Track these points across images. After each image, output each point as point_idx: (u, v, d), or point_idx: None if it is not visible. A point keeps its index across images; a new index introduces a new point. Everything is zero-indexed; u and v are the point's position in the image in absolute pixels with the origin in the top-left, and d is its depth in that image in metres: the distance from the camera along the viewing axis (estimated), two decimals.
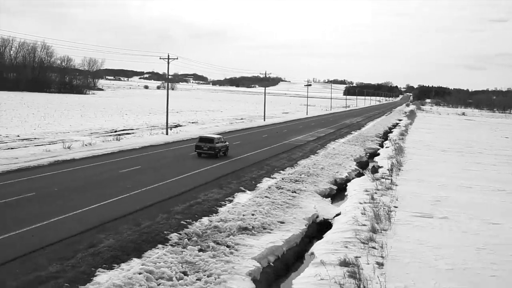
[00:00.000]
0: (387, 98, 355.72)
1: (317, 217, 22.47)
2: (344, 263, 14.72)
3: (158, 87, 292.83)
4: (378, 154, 44.48)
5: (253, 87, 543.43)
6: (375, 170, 35.03)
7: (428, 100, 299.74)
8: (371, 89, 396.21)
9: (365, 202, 23.09)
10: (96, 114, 71.64)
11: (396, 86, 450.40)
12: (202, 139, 37.22)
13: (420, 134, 66.51)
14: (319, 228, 21.31)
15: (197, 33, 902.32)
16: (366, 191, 25.80)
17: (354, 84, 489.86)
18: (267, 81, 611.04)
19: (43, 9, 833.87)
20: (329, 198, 26.42)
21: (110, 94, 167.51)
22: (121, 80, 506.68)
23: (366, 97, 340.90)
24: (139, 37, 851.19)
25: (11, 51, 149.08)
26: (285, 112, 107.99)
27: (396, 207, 22.88)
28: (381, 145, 53.11)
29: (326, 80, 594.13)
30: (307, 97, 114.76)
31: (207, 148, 36.07)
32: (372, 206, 22.14)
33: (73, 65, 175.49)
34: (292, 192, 25.20)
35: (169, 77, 55.01)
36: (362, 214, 20.65)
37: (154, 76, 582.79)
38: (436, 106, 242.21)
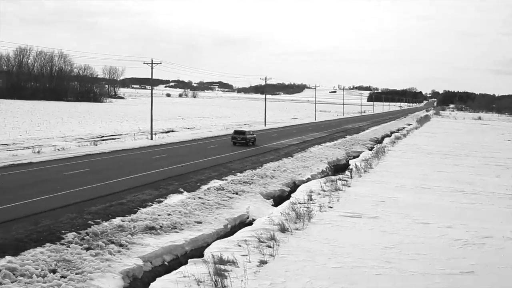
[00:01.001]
0: (409, 104, 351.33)
1: (248, 218, 22.12)
2: (220, 261, 14.37)
3: (180, 95, 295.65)
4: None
5: (277, 94, 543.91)
6: (343, 171, 34.53)
7: (451, 106, 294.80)
8: (396, 95, 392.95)
9: (299, 203, 22.63)
10: (96, 121, 72.37)
11: (420, 92, 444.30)
12: (237, 132, 47.99)
13: (419, 138, 65.31)
14: (242, 228, 20.95)
15: (223, 41, 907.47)
16: (311, 191, 25.31)
17: (380, 90, 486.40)
18: (292, 88, 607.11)
19: (73, 19, 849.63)
20: (271, 200, 25.93)
21: (128, 102, 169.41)
22: (146, 89, 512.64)
23: (391, 103, 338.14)
24: (167, 45, 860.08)
25: (29, 60, 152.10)
26: (294, 118, 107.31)
27: (331, 207, 22.44)
28: (371, 149, 52.26)
29: (352, 87, 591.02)
30: (315, 102, 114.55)
31: (240, 139, 46.17)
32: (302, 207, 21.68)
33: (92, 74, 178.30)
34: (234, 194, 24.89)
35: (152, 81, 55.03)
36: (281, 214, 20.21)
37: (179, 84, 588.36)
38: (458, 111, 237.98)
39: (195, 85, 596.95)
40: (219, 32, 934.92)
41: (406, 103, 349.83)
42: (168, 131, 59.46)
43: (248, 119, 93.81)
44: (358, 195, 25.41)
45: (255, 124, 79.23)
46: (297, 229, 18.42)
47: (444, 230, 19.21)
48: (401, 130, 76.68)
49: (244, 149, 43.44)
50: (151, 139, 48.02)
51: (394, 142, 55.36)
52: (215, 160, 35.72)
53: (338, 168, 38.91)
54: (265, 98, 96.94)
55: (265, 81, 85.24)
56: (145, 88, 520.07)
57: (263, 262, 14.69)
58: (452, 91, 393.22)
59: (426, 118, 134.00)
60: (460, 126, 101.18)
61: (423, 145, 53.79)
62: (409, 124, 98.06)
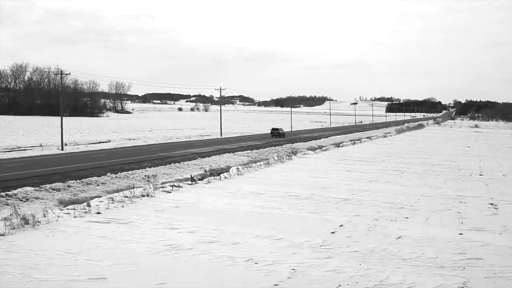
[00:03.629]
0: (425, 114, 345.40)
1: None
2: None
3: (192, 109, 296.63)
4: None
5: (297, 107, 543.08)
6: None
7: (469, 115, 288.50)
8: (414, 106, 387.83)
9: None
10: (50, 132, 72.04)
11: (440, 102, 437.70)
12: (274, 129, 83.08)
13: (366, 145, 63.14)
14: None
15: (247, 57, 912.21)
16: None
17: (401, 101, 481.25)
18: (313, 100, 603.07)
19: (100, 37, 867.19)
20: None
21: (127, 117, 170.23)
22: (167, 104, 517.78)
23: (406, 114, 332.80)
24: (192, 61, 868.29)
25: (25, 77, 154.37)
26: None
27: (99, 213, 20.77)
28: (291, 155, 49.90)
29: (373, 98, 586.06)
30: (291, 112, 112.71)
31: (276, 133, 79.26)
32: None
33: (91, 89, 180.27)
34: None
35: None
36: None
37: (200, 99, 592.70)
38: (471, 120, 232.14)
39: (216, 99, 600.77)
40: (243, 48, 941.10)
41: (422, 114, 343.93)
42: (100, 142, 58.55)
43: (211, 131, 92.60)
44: (167, 200, 23.68)
45: (214, 134, 78.22)
46: None
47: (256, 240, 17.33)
48: (362, 138, 74.01)
49: (131, 156, 42.14)
50: (62, 149, 47.18)
51: (326, 150, 53.15)
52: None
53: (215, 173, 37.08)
54: (220, 110, 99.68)
55: (220, 92, 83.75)
56: (166, 103, 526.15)
57: None
58: (475, 100, 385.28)
59: (419, 127, 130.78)
60: (442, 135, 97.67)
61: (355, 153, 51.37)
62: (389, 133, 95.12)
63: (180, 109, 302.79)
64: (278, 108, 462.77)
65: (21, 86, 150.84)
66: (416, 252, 16.13)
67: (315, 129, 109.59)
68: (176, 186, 26.88)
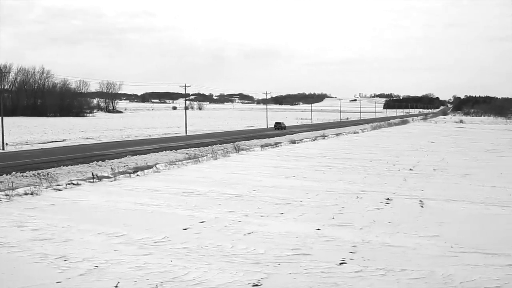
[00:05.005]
0: (421, 110, 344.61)
1: None
2: None
3: (186, 108, 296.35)
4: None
5: (296, 104, 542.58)
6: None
7: (464, 110, 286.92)
8: (412, 102, 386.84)
9: None
10: (14, 132, 71.90)
11: (438, 98, 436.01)
12: (277, 123, 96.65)
13: (332, 142, 62.79)
14: None
15: (248, 54, 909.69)
16: None
17: (401, 97, 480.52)
18: (312, 98, 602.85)
19: (101, 36, 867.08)
20: None
21: (113, 116, 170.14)
22: (166, 103, 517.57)
23: (404, 110, 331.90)
24: (193, 59, 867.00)
25: (10, 77, 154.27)
26: (249, 126, 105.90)
27: None
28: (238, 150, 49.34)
29: (373, 95, 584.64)
30: (267, 109, 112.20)
31: (279, 126, 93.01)
32: None
33: (87, 89, 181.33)
34: None
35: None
36: None
37: (199, 97, 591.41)
38: (465, 115, 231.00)
39: (215, 97, 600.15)
40: (244, 45, 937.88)
41: (418, 110, 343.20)
42: (54, 141, 58.37)
43: (188, 129, 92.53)
44: (53, 198, 23.41)
45: (182, 132, 78.25)
46: None
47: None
48: (329, 135, 73.50)
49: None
50: (2, 149, 47.07)
51: (277, 146, 52.83)
52: None
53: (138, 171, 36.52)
54: (186, 108, 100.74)
55: (185, 89, 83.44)
56: (165, 102, 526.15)
57: None
58: (474, 96, 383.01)
59: (403, 123, 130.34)
60: (419, 131, 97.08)
61: (305, 149, 50.86)
62: (364, 129, 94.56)
63: (174, 108, 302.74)
64: (276, 106, 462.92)
65: (5, 86, 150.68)
66: (247, 248, 15.79)
67: (291, 125, 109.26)
68: (74, 184, 26.59)
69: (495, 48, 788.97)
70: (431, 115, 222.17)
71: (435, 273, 13.59)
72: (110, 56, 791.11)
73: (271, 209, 21.78)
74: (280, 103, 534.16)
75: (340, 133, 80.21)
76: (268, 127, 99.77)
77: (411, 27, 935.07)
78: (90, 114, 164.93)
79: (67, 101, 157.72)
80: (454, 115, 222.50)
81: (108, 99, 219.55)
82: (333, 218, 20.21)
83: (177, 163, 35.60)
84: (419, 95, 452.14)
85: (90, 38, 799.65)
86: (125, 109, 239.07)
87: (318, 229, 18.32)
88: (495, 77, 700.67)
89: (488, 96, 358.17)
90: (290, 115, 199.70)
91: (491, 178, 32.73)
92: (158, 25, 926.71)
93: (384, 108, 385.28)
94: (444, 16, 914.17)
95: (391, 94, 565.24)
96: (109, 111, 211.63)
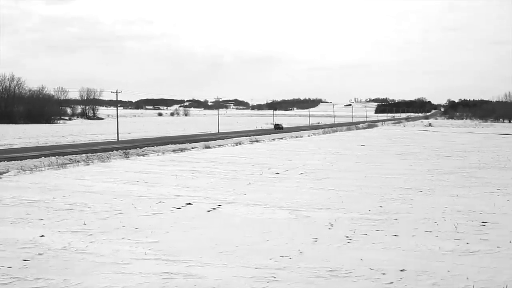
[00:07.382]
0: (410, 114, 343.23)
1: None
2: None
3: (172, 114, 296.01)
4: None
5: (290, 109, 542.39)
6: None
7: (452, 114, 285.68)
8: (404, 106, 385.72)
9: None
10: None
11: (429, 102, 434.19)
12: (276, 124, 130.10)
13: (260, 146, 61.48)
14: None
15: (245, 60, 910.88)
16: None
17: (396, 101, 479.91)
18: (306, 103, 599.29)
19: (99, 43, 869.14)
20: None
21: (85, 123, 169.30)
22: (160, 109, 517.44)
23: (393, 114, 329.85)
24: (191, 66, 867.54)
25: None
26: (204, 131, 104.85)
27: None
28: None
29: (368, 99, 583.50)
30: (218, 115, 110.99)
31: (277, 127, 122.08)
32: None
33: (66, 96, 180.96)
34: None
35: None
36: None
37: (194, 103, 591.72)
38: (448, 119, 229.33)
39: (210, 103, 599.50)
40: (241, 52, 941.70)
41: (407, 114, 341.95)
42: None
43: (151, 134, 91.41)
44: None
45: (125, 137, 77.20)
46: None
47: None
48: (264, 140, 71.92)
49: None
50: None
51: (184, 151, 51.54)
52: None
53: None
54: (117, 114, 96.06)
55: (116, 95, 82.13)
56: (158, 109, 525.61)
57: None
58: (469, 99, 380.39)
59: (369, 127, 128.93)
60: (373, 135, 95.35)
61: (209, 154, 49.49)
62: (315, 133, 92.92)
63: (160, 114, 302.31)
64: (269, 111, 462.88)
65: None
66: None
67: (245, 130, 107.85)
68: None
69: (494, 52, 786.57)
70: (410, 119, 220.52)
71: None
72: (108, 63, 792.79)
73: (64, 215, 20.16)
74: (275, 109, 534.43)
75: (283, 137, 78.69)
76: (220, 131, 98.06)
77: (409, 32, 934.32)
78: (62, 121, 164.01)
79: (36, 109, 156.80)
80: (436, 119, 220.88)
81: (88, 105, 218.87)
82: (123, 225, 18.60)
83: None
84: (413, 98, 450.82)
85: (87, 45, 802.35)
86: (108, 116, 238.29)
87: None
88: (493, 81, 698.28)
89: (484, 100, 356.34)
90: (268, 120, 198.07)
91: (345, 182, 30.91)
92: (156, 32, 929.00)
93: (375, 112, 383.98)
94: (442, 20, 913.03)
95: (386, 98, 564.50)
96: (88, 118, 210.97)
